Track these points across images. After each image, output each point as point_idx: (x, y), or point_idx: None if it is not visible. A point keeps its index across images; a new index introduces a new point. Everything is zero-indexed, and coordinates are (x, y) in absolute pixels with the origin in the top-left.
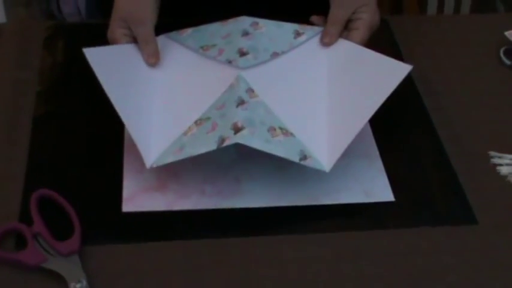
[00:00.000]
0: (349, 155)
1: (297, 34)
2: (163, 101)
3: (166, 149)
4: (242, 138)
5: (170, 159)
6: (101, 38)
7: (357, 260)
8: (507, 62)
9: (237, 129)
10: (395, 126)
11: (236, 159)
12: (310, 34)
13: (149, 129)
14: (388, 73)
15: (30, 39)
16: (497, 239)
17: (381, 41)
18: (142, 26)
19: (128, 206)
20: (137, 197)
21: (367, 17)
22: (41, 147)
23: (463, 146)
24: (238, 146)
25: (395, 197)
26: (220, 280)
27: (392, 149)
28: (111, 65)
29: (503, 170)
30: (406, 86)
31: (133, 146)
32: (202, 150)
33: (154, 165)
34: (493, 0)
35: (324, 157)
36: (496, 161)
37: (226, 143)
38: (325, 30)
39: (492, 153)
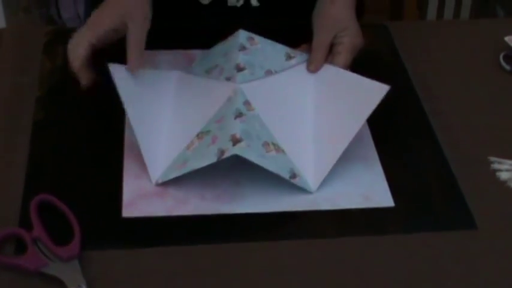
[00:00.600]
0: (349, 160)
1: (288, 57)
2: (170, 120)
3: (170, 164)
4: (240, 150)
5: (174, 174)
6: None
7: (357, 266)
8: (507, 67)
9: (235, 141)
10: (395, 131)
11: (235, 164)
12: (300, 60)
13: (157, 146)
14: (367, 94)
15: (29, 44)
16: (497, 244)
17: (381, 47)
18: (139, 27)
19: (127, 212)
20: (137, 203)
21: (348, 41)
22: (40, 152)
23: (463, 151)
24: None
25: (394, 202)
26: (220, 285)
27: (392, 154)
28: (132, 83)
29: (503, 175)
30: (406, 91)
31: (133, 152)
32: (204, 163)
33: (160, 181)
34: (493, 5)
35: (310, 177)
36: (495, 166)
37: (226, 155)
38: (310, 57)
39: (492, 158)
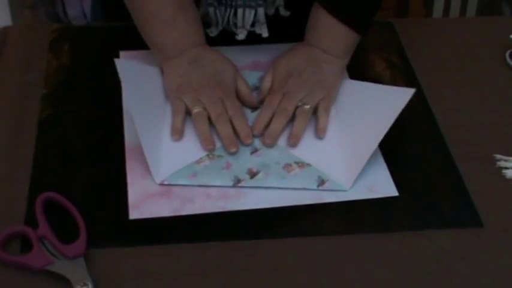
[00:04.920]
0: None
1: None
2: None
3: (178, 170)
4: (257, 182)
5: (183, 181)
6: (106, 41)
7: (363, 263)
8: None
9: (252, 174)
10: (401, 129)
11: None
12: None
13: (160, 146)
14: (393, 99)
15: (35, 42)
16: (503, 242)
17: (387, 44)
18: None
19: (134, 213)
20: (143, 203)
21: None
22: (46, 150)
23: (469, 149)
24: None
25: (400, 199)
26: (226, 283)
27: (398, 151)
28: (136, 79)
29: (509, 173)
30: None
31: (135, 152)
32: (218, 183)
33: (166, 183)
34: (499, 3)
35: (342, 178)
36: (501, 164)
37: (242, 184)
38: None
39: (498, 156)
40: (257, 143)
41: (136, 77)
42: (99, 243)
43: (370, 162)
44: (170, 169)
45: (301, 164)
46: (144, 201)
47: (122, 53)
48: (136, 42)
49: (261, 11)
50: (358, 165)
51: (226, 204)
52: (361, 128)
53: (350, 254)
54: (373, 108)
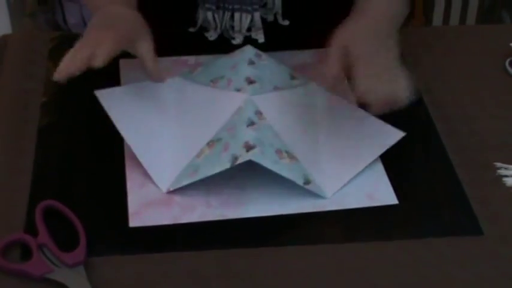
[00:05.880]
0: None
1: (292, 77)
2: (174, 128)
3: (181, 172)
4: (253, 156)
5: (185, 181)
6: None
7: (362, 271)
8: None
9: (248, 148)
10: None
11: (240, 170)
12: (302, 81)
13: (161, 156)
14: (381, 136)
15: (35, 49)
16: (503, 250)
17: None
18: (149, 44)
19: (134, 222)
20: (143, 212)
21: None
22: (46, 158)
23: (469, 157)
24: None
25: (400, 207)
26: None
27: (397, 159)
28: (122, 103)
29: (509, 181)
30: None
31: (135, 160)
32: (217, 169)
33: (171, 189)
34: (499, 11)
35: (325, 184)
36: (502, 172)
37: (239, 161)
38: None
39: (498, 164)
40: (253, 116)
41: (120, 102)
42: (99, 251)
43: (370, 170)
44: (172, 175)
45: (291, 156)
46: (144, 209)
47: (121, 61)
48: None
49: (257, 16)
50: (341, 180)
51: (226, 212)
52: (349, 150)
53: (350, 262)
54: (363, 137)
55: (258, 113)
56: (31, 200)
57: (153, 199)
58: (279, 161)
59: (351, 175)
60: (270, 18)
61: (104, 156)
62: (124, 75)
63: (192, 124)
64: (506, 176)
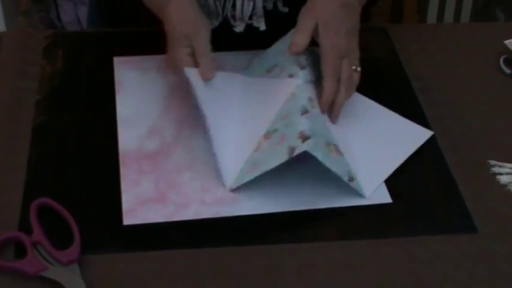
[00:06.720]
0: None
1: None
2: (239, 123)
3: (241, 169)
4: (308, 147)
5: (247, 178)
6: (100, 47)
7: (356, 269)
8: (507, 70)
9: (304, 138)
10: None
11: None
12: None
13: (230, 151)
14: (410, 136)
15: (29, 48)
16: (497, 247)
17: (381, 50)
18: (201, 39)
19: (128, 219)
20: (137, 209)
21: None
22: (40, 156)
23: (463, 155)
24: None
25: (394, 205)
26: None
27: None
28: (206, 86)
29: (503, 179)
30: (405, 95)
31: (129, 158)
32: (275, 163)
33: (234, 187)
34: (493, 9)
35: (364, 183)
36: (496, 169)
37: (296, 152)
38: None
39: (492, 162)
40: (307, 103)
41: (205, 84)
42: (93, 249)
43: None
44: (234, 171)
45: (337, 149)
46: (138, 207)
47: (115, 59)
48: (130, 48)
49: (259, 3)
50: (377, 180)
51: (220, 210)
52: (382, 150)
53: (344, 260)
54: (393, 138)
55: (311, 99)
56: (25, 198)
57: (147, 197)
58: (329, 154)
59: (385, 175)
60: (269, 6)
61: (98, 155)
62: (118, 73)
63: (252, 117)
64: (500, 173)
